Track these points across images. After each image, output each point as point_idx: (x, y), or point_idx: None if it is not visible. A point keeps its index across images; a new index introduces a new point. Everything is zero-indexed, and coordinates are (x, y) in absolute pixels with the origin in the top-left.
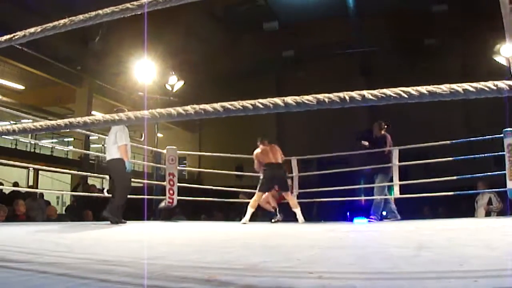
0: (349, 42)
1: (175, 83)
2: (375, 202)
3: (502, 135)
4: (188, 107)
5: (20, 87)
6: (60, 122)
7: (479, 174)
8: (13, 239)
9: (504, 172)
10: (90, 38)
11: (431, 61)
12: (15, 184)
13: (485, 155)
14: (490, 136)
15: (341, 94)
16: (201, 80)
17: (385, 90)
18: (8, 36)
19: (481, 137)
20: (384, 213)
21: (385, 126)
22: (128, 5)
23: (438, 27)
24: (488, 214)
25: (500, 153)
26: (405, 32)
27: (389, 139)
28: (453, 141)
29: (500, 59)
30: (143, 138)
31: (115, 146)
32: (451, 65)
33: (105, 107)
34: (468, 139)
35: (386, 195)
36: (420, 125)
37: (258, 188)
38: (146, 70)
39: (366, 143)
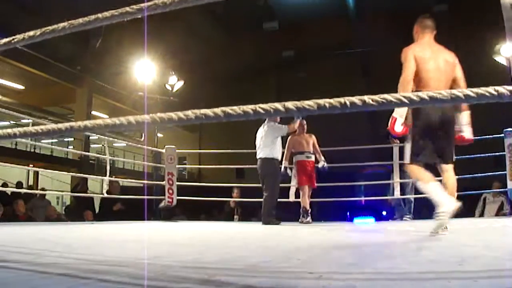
0: (349, 42)
1: (175, 83)
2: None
3: (502, 135)
4: (189, 112)
5: (20, 87)
6: (61, 126)
7: (479, 175)
8: (13, 239)
9: (505, 172)
10: (91, 38)
11: None
12: (18, 184)
13: (485, 155)
14: (491, 136)
15: (341, 100)
16: (201, 80)
17: (386, 96)
18: (7, 39)
19: (481, 137)
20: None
21: None
22: (127, 8)
23: (438, 27)
24: None
25: (501, 153)
26: (405, 32)
27: None
28: None
29: (500, 59)
30: (143, 138)
31: (264, 146)
32: None
33: (105, 107)
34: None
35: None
36: None
37: (411, 155)
38: (146, 70)
39: (397, 141)
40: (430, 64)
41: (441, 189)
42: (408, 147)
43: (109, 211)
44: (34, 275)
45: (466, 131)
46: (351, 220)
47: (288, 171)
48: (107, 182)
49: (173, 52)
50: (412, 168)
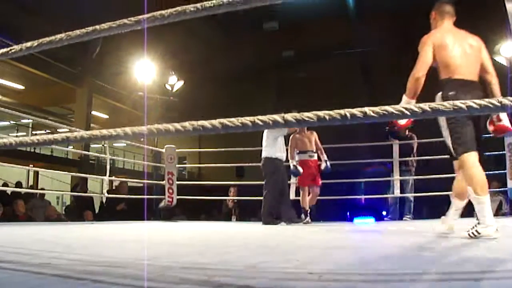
0: (349, 42)
1: (175, 83)
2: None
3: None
4: (187, 124)
5: (20, 87)
6: (57, 136)
7: None
8: (12, 239)
9: (504, 171)
10: (90, 44)
11: None
12: (18, 184)
13: (486, 154)
14: (491, 135)
15: (342, 111)
16: (201, 80)
17: (387, 107)
18: (4, 50)
19: (481, 135)
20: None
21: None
22: (125, 20)
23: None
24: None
25: (501, 152)
26: (405, 32)
27: (416, 139)
28: None
29: (500, 59)
30: (143, 138)
31: (266, 146)
32: None
33: (105, 107)
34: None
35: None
36: (418, 122)
37: (458, 146)
38: (146, 70)
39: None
40: (455, 50)
41: (490, 206)
42: (449, 140)
43: (111, 211)
44: (31, 275)
45: (504, 119)
46: (351, 220)
47: (299, 168)
48: (107, 182)
49: (173, 52)
50: (467, 161)
